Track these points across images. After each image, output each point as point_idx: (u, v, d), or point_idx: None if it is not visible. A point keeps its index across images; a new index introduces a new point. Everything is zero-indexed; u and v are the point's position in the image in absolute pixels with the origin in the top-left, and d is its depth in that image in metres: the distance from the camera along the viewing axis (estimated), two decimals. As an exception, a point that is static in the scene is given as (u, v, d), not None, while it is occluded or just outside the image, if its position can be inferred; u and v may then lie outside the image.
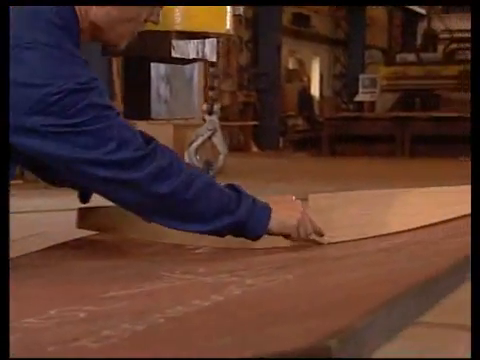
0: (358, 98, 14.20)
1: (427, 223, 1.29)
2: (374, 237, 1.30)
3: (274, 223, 1.31)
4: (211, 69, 1.39)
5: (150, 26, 1.41)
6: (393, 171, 9.20)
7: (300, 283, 0.96)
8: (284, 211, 1.34)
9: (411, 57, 13.90)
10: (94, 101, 1.22)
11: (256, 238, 1.32)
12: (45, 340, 0.73)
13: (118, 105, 9.19)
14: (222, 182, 1.40)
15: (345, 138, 12.17)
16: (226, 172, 7.98)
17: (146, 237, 1.38)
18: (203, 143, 1.41)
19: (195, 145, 1.35)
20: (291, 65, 16.70)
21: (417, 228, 1.31)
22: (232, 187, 1.36)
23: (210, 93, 1.38)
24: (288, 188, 8.28)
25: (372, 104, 14.18)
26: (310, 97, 15.51)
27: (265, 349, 0.50)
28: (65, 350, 0.67)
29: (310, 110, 14.53)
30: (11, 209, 1.18)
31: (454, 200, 1.35)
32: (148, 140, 1.31)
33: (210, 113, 1.39)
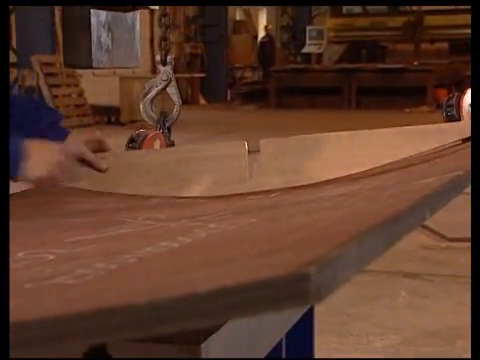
0: (305, 50, 14.19)
1: (379, 164, 1.30)
2: (329, 182, 1.29)
3: (26, 167, 1.22)
4: (163, 19, 1.37)
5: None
6: (339, 122, 9.29)
7: (265, 225, 0.97)
8: (36, 157, 1.24)
9: (357, 8, 13.91)
10: None
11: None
12: (19, 279, 0.72)
13: (62, 57, 8.83)
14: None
15: (292, 90, 12.20)
16: (174, 125, 7.95)
17: (101, 189, 1.35)
18: (157, 94, 1.39)
19: (150, 96, 1.32)
20: (238, 16, 16.52)
21: (370, 169, 1.29)
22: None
23: (162, 43, 1.35)
24: (236, 140, 8.28)
25: (319, 56, 14.20)
26: (274, 49, 15.26)
27: (243, 278, 0.52)
28: (42, 287, 0.66)
29: (271, 62, 14.30)
30: None
31: (403, 141, 1.36)
32: None
33: (164, 64, 1.37)
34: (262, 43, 15.24)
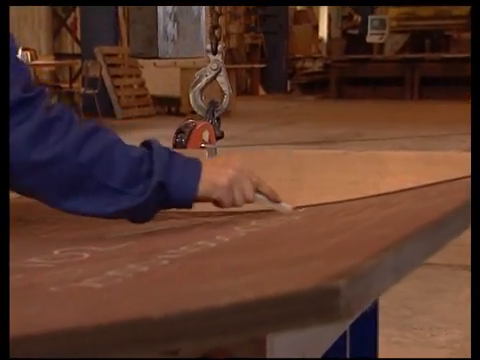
0: (367, 40, 13.97)
1: (415, 185, 1.13)
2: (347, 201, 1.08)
3: (201, 184, 0.91)
4: (216, 7, 1.36)
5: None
6: (402, 113, 9.11)
7: (306, 224, 0.94)
8: (214, 168, 0.95)
9: (422, -3, 13.62)
10: None
11: (185, 204, 0.94)
12: (47, 280, 0.71)
13: (124, 48, 8.99)
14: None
15: (353, 80, 12.04)
16: (233, 116, 7.95)
17: None
18: (207, 84, 1.37)
19: (200, 86, 1.31)
20: (299, 6, 16.39)
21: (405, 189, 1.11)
22: (146, 143, 0.95)
23: (213, 32, 1.34)
24: (295, 131, 8.25)
25: (381, 46, 13.96)
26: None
27: (269, 290, 0.48)
28: (67, 290, 0.65)
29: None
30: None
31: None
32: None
33: (214, 53, 1.35)
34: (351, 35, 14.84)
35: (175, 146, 1.33)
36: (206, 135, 1.41)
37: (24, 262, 0.80)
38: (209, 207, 0.98)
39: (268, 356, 0.74)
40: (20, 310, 0.57)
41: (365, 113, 8.97)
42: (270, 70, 13.68)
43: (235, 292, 0.51)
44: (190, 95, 1.51)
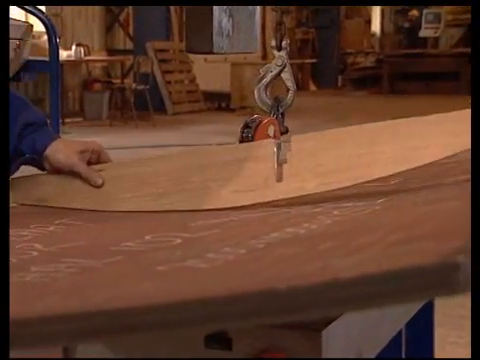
0: (421, 34, 13.72)
1: (441, 156, 1.07)
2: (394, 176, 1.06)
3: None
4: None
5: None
6: (456, 109, 8.92)
7: (390, 214, 0.90)
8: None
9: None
10: None
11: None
12: (150, 261, 0.73)
13: (175, 43, 9.07)
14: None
15: (406, 75, 11.86)
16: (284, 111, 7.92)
17: (95, 207, 1.17)
18: (272, 80, 1.37)
19: (265, 82, 1.31)
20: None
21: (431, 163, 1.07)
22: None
23: (278, 28, 1.34)
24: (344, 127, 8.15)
25: (436, 40, 13.70)
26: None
27: (386, 265, 0.50)
28: (175, 269, 0.66)
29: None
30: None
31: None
32: None
33: (279, 49, 1.35)
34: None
35: (242, 141, 1.34)
36: (271, 130, 1.42)
37: (120, 246, 0.82)
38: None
39: (323, 356, 0.74)
40: (137, 285, 0.59)
41: (418, 109, 8.84)
42: (321, 65, 13.59)
43: (353, 267, 0.53)
44: (255, 91, 1.52)
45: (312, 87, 13.62)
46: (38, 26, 2.72)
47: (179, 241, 0.83)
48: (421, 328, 1.33)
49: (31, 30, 2.63)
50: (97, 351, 0.80)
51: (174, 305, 0.50)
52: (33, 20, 2.70)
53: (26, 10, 2.52)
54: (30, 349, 0.51)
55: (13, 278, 0.68)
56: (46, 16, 2.59)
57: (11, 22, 2.66)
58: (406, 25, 14.80)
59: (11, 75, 2.48)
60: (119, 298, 0.55)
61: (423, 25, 13.45)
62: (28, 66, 2.56)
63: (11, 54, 2.49)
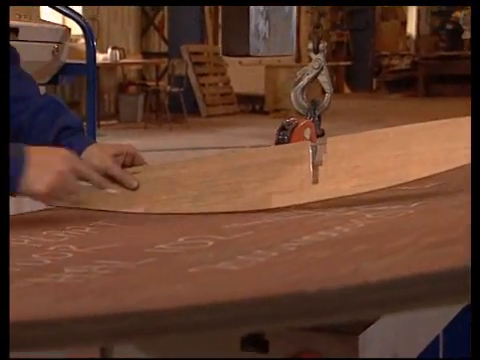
0: (464, 36, 13.51)
1: None
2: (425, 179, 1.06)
3: (24, 181, 1.02)
4: (319, 7, 1.37)
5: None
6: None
7: (425, 217, 0.90)
8: (38, 169, 1.04)
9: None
10: None
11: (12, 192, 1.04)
12: (183, 263, 0.74)
13: (210, 46, 9.10)
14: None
15: (442, 78, 11.73)
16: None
17: (130, 209, 1.18)
18: (309, 82, 1.37)
19: (301, 84, 1.31)
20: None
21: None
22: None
23: (315, 31, 1.34)
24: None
25: (472, 42, 13.47)
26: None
27: (418, 269, 0.50)
28: (206, 271, 0.67)
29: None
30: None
31: None
32: None
33: (316, 52, 1.35)
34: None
35: (278, 143, 1.34)
36: (308, 133, 1.41)
37: (153, 248, 0.83)
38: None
39: (360, 356, 0.74)
40: (169, 287, 0.61)
41: (454, 111, 8.72)
42: (355, 68, 13.50)
43: (385, 270, 0.53)
44: (291, 94, 1.53)
45: (346, 90, 13.55)
46: (75, 29, 2.76)
47: (212, 243, 0.84)
48: (459, 334, 1.31)
49: (69, 33, 2.67)
50: (131, 351, 0.80)
51: (204, 307, 0.50)
52: (71, 23, 2.73)
53: (64, 13, 2.55)
54: (63, 349, 0.52)
55: (47, 279, 0.69)
56: (83, 19, 2.63)
57: (49, 26, 2.70)
58: (449, 27, 14.61)
59: (49, 78, 2.53)
60: (151, 300, 0.56)
61: (463, 27, 13.25)
62: (66, 69, 2.60)
63: (49, 57, 2.53)
